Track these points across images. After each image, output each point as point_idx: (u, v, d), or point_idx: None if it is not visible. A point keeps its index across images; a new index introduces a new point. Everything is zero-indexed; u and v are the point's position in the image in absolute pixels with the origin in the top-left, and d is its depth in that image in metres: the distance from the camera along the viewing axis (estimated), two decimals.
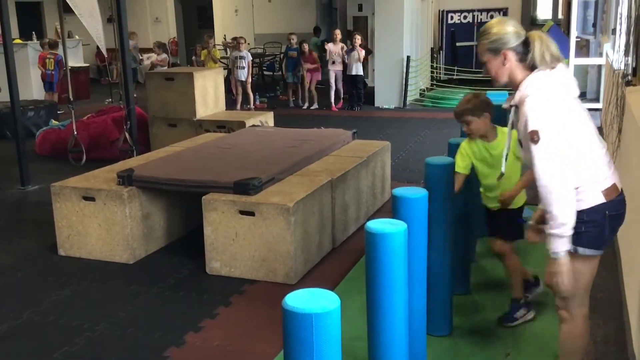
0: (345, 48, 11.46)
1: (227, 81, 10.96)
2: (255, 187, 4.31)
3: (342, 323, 1.88)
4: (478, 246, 4.57)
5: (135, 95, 7.94)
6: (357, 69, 11.38)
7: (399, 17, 11.59)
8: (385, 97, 11.88)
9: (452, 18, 14.77)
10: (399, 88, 11.81)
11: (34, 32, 13.93)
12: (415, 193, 2.92)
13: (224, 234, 4.29)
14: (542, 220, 2.61)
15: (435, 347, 3.29)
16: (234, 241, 4.27)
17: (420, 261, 2.96)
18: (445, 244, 3.36)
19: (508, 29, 2.53)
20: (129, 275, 4.46)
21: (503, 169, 2.86)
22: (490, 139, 3.56)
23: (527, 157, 2.51)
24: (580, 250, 2.46)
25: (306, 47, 11.90)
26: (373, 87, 12.25)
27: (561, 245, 2.38)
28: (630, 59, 4.89)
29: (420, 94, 12.43)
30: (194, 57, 13.67)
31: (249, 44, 14.12)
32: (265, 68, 14.97)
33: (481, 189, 3.69)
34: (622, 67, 5.23)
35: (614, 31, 7.38)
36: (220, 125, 7.42)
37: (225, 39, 15.37)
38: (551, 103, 2.41)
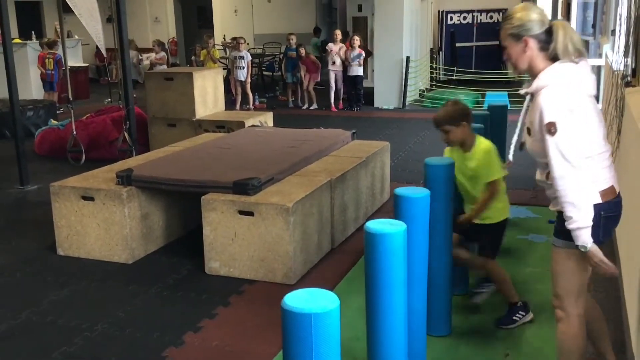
0: (345, 49, 11.46)
1: (227, 81, 10.97)
2: (255, 187, 4.31)
3: (341, 323, 1.88)
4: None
5: (134, 95, 7.93)
6: (357, 70, 11.39)
7: (399, 18, 11.59)
8: (385, 97, 11.88)
9: (451, 19, 14.77)
10: (399, 88, 11.81)
11: (33, 32, 13.92)
12: (417, 193, 2.92)
13: (223, 234, 4.29)
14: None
15: (435, 347, 3.29)
16: (233, 241, 4.27)
17: (421, 261, 2.96)
18: (445, 244, 3.36)
19: (532, 16, 2.50)
20: (127, 275, 4.46)
21: (511, 157, 2.78)
22: (467, 149, 3.55)
23: (535, 147, 2.50)
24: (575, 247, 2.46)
25: (303, 51, 11.92)
26: (372, 88, 12.25)
27: (586, 236, 2.37)
28: (629, 60, 4.89)
29: (420, 94, 12.44)
30: (193, 57, 13.68)
31: (248, 44, 14.12)
32: (264, 68, 14.98)
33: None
34: (622, 68, 5.23)
35: (613, 32, 7.38)
36: (219, 125, 7.42)
37: (224, 39, 15.38)
38: (568, 96, 2.40)
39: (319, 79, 12.19)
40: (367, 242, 2.50)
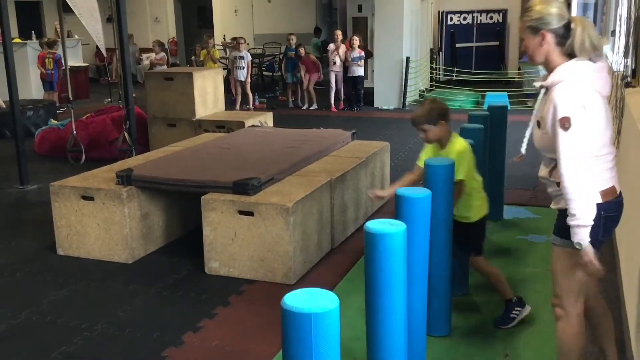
0: (345, 49, 11.45)
1: (227, 81, 10.96)
2: (255, 187, 4.31)
3: (341, 323, 1.88)
4: None
5: (134, 95, 7.93)
6: (358, 70, 11.39)
7: (399, 18, 11.59)
8: (385, 97, 11.88)
9: (451, 19, 14.78)
10: (399, 89, 11.81)
11: (33, 32, 13.92)
12: (418, 193, 2.92)
13: (223, 234, 4.29)
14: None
15: (435, 347, 3.29)
16: (232, 241, 4.27)
17: (422, 261, 2.96)
18: (445, 245, 3.36)
19: (551, 10, 2.48)
20: (127, 275, 4.46)
21: (523, 150, 2.74)
22: (443, 146, 3.57)
23: (544, 140, 2.50)
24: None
25: (302, 50, 11.92)
26: (372, 88, 12.25)
27: (585, 234, 2.38)
28: (629, 60, 4.90)
29: (420, 94, 12.43)
30: (193, 57, 13.68)
31: (248, 44, 14.13)
32: (264, 68, 14.98)
33: None
34: (622, 68, 5.24)
35: (613, 33, 7.38)
36: (219, 126, 7.42)
37: (224, 39, 15.39)
38: (582, 93, 2.39)
39: (318, 79, 12.17)
40: (367, 242, 2.50)
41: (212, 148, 5.57)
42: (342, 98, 11.90)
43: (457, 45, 14.71)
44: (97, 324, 3.72)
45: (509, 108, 5.50)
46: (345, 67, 11.52)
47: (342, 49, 11.48)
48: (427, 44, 13.86)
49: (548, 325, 3.45)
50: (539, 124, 2.54)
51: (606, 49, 8.39)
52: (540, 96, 2.58)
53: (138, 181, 4.63)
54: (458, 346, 3.36)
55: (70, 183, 4.77)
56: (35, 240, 5.13)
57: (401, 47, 11.69)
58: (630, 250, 3.55)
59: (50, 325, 3.74)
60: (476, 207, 3.56)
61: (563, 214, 2.47)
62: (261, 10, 17.48)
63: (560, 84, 2.42)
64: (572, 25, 2.47)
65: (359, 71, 11.41)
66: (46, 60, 11.97)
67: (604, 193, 2.46)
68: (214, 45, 12.77)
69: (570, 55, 2.47)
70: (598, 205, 2.43)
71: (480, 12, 14.74)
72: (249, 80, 11.68)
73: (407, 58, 11.70)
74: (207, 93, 7.87)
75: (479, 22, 14.78)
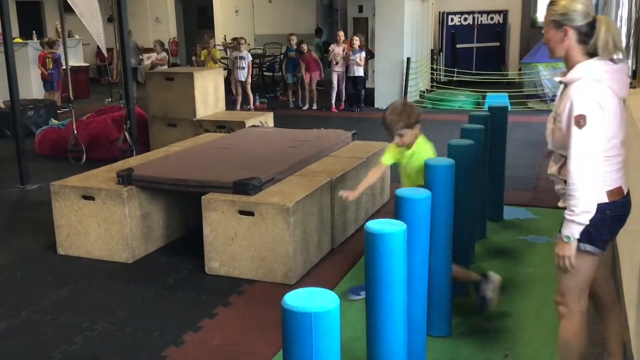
0: (347, 50, 11.46)
1: (227, 81, 10.97)
2: (255, 187, 4.31)
3: (341, 323, 1.88)
4: (477, 248, 4.57)
5: (135, 95, 7.93)
6: (358, 70, 11.39)
7: (400, 19, 11.60)
8: (385, 98, 11.85)
9: (452, 20, 14.79)
10: (399, 89, 11.81)
11: (34, 31, 13.93)
12: (418, 194, 2.92)
13: (223, 233, 4.29)
14: None
15: (435, 347, 3.29)
16: (233, 241, 4.27)
17: (422, 262, 2.97)
18: (445, 245, 3.36)
19: (577, 6, 2.45)
20: (128, 274, 4.46)
21: (550, 147, 2.67)
22: (409, 147, 3.60)
23: (557, 136, 2.49)
24: (581, 246, 2.48)
25: (305, 47, 11.90)
26: (373, 89, 12.25)
27: (576, 231, 2.42)
28: (630, 61, 4.90)
29: (420, 95, 12.43)
30: (194, 57, 13.67)
31: (249, 44, 14.13)
32: (265, 69, 14.99)
33: None
34: None
35: None
36: (220, 126, 7.42)
37: (225, 39, 15.38)
38: (600, 92, 2.39)
39: (319, 78, 12.15)
40: (367, 242, 2.50)
41: (213, 148, 5.57)
42: (343, 99, 11.90)
43: (458, 46, 14.72)
44: (98, 324, 3.72)
45: (509, 109, 5.50)
46: (346, 67, 11.51)
47: (344, 48, 11.46)
48: (427, 45, 13.86)
49: (548, 326, 3.46)
50: (554, 119, 2.54)
51: None
52: (559, 92, 2.58)
53: (138, 181, 4.64)
54: (458, 346, 3.36)
55: (71, 183, 4.77)
56: (36, 240, 5.14)
57: (402, 47, 11.69)
58: (631, 250, 3.55)
59: (50, 324, 3.74)
60: None
61: None
62: (262, 10, 17.49)
63: (579, 82, 2.41)
64: (597, 25, 2.44)
65: (359, 71, 11.41)
66: (47, 60, 11.98)
67: (610, 193, 2.47)
68: (214, 45, 12.78)
69: (592, 54, 2.46)
70: (604, 204, 2.44)
71: (481, 13, 14.75)
72: (249, 80, 11.69)
73: (408, 59, 11.70)
74: (208, 93, 7.88)
75: (479, 22, 14.79)
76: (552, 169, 2.63)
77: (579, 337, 2.63)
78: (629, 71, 2.69)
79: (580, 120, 2.36)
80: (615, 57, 2.46)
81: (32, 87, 12.57)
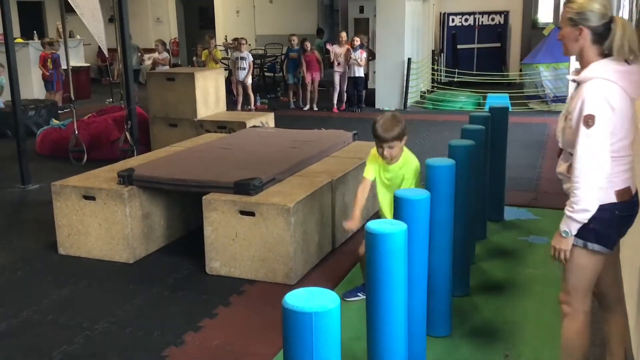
0: (349, 50, 11.46)
1: (228, 82, 10.98)
2: (256, 187, 4.32)
3: (341, 323, 1.89)
4: (477, 248, 4.57)
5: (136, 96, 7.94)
6: (359, 71, 11.40)
7: (400, 20, 11.60)
8: (386, 99, 11.89)
9: (453, 20, 14.78)
10: (400, 90, 11.82)
11: (35, 32, 13.94)
12: (418, 195, 2.92)
13: (224, 234, 4.29)
14: None
15: (435, 348, 3.30)
16: (234, 241, 4.28)
17: (421, 262, 2.97)
18: (445, 246, 3.37)
19: (594, 6, 2.43)
20: (128, 274, 4.46)
21: (561, 144, 2.65)
22: (392, 161, 3.55)
23: (568, 134, 2.49)
24: (590, 245, 2.49)
25: (308, 45, 11.87)
26: (374, 89, 12.26)
27: (574, 228, 2.45)
28: None
29: (421, 96, 12.44)
30: (195, 58, 13.67)
31: (250, 45, 14.14)
32: (266, 69, 14.99)
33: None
34: None
35: None
36: (221, 126, 7.42)
37: (226, 39, 15.39)
38: (612, 93, 2.38)
39: (320, 78, 12.15)
40: (367, 242, 2.51)
41: (214, 148, 5.58)
42: (344, 99, 11.90)
43: (459, 46, 14.71)
44: (98, 323, 3.72)
45: (510, 110, 5.49)
46: (348, 67, 11.51)
47: (347, 49, 11.46)
48: (428, 46, 13.86)
49: (548, 326, 3.46)
50: (566, 117, 2.54)
51: None
52: (572, 90, 2.57)
53: (139, 181, 4.64)
54: (458, 346, 3.37)
55: (72, 183, 4.77)
56: (37, 240, 5.14)
57: (403, 48, 11.69)
58: (631, 250, 3.55)
59: (51, 324, 3.75)
60: None
61: None
62: (263, 11, 17.50)
63: (591, 81, 2.41)
64: (612, 26, 2.43)
65: (360, 72, 11.41)
66: (48, 60, 11.99)
67: (619, 193, 2.47)
68: (215, 45, 12.78)
69: (606, 54, 2.44)
70: (613, 204, 2.45)
71: (482, 13, 14.75)
72: (250, 80, 11.69)
73: (409, 59, 11.70)
74: (209, 93, 7.88)
75: (480, 23, 14.78)
76: (561, 167, 2.62)
77: (581, 336, 2.64)
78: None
79: (589, 120, 2.36)
80: (629, 58, 2.44)
81: (33, 87, 12.58)
